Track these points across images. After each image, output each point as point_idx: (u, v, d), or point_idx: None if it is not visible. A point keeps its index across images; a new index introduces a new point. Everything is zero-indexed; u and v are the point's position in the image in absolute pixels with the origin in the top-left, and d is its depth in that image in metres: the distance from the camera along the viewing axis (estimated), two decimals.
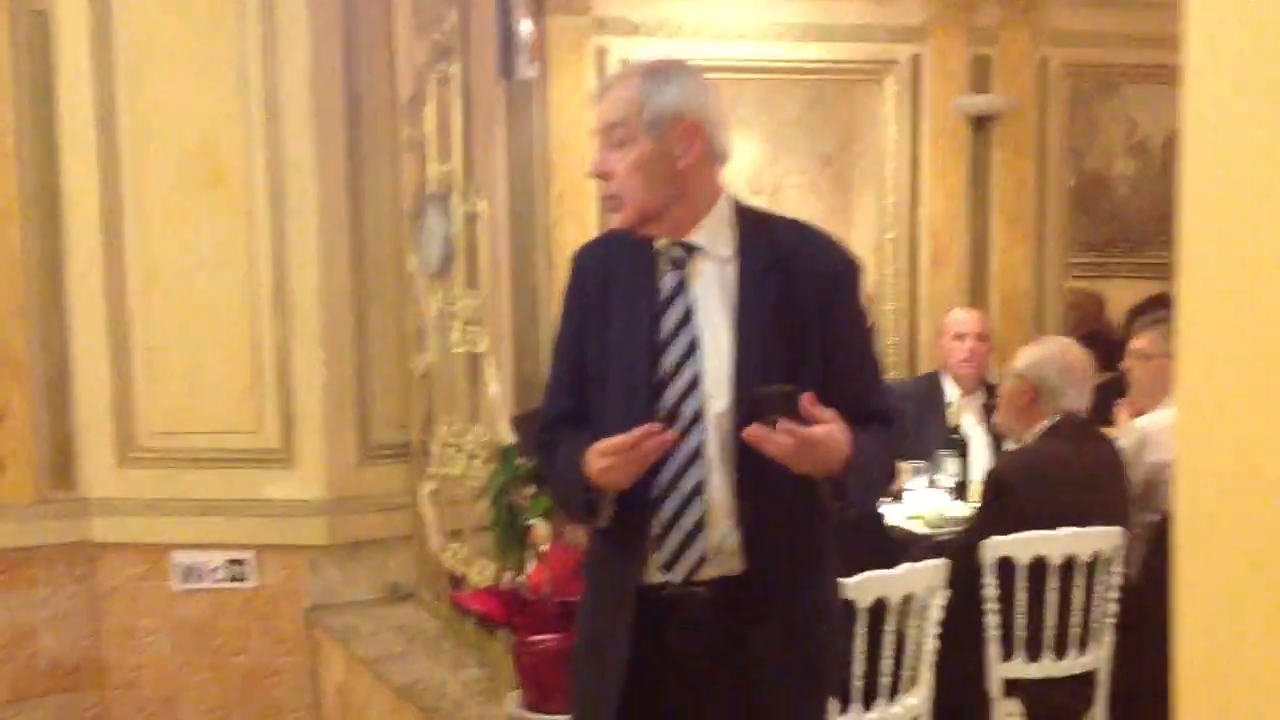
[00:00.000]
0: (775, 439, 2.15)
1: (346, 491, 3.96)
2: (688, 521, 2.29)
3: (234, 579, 4.02)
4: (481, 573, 3.50)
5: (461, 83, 3.67)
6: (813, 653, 2.41)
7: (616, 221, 2.32)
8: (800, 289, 2.31)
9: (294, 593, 4.00)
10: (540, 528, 3.29)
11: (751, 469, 2.25)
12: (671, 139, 2.26)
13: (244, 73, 3.89)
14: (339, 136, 3.92)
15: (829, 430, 2.17)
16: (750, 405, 2.22)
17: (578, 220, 5.20)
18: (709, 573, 2.30)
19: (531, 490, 3.31)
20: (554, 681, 2.96)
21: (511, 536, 3.32)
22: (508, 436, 3.46)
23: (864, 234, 6.32)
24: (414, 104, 3.88)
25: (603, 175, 2.30)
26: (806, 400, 2.16)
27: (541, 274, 5.04)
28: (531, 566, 3.28)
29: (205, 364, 3.98)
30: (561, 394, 2.47)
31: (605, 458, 2.22)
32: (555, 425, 2.47)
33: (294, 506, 3.96)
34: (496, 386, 3.60)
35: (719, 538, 2.29)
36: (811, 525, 2.33)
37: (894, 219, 5.85)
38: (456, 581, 3.68)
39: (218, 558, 4.02)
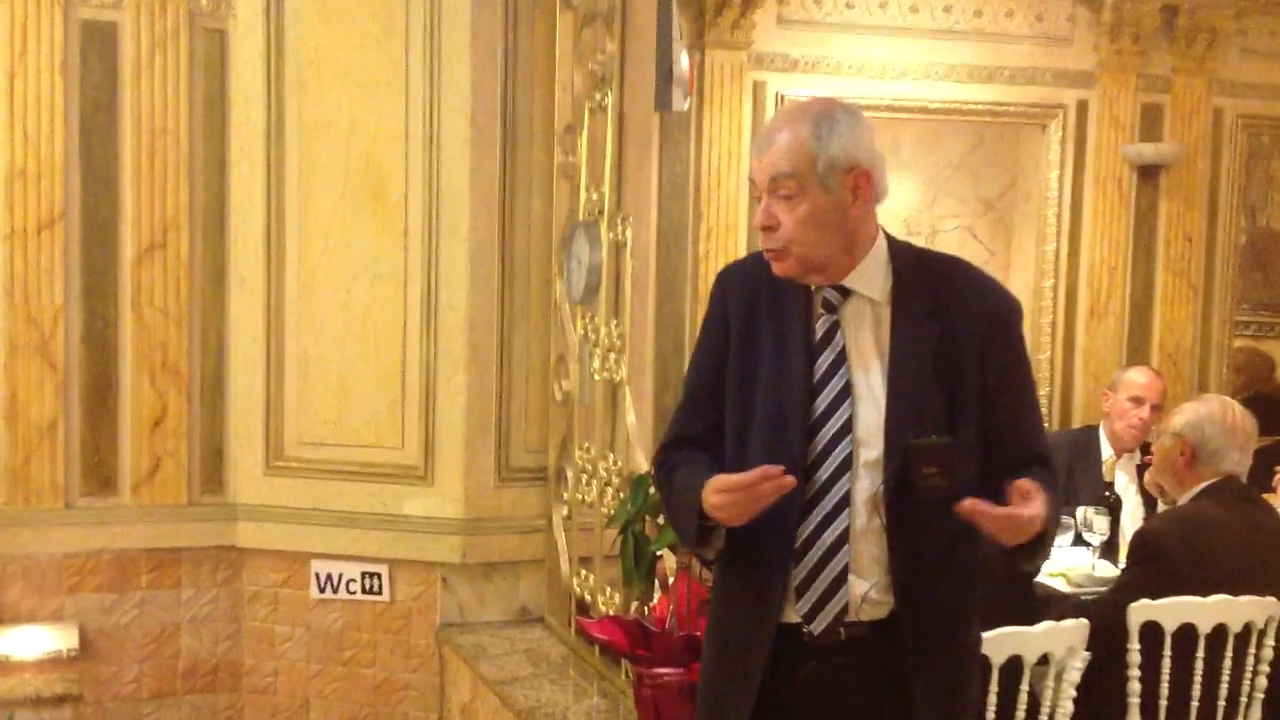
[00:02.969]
0: (993, 514, 2.10)
1: (483, 512, 3.99)
2: (831, 572, 2.23)
3: (369, 591, 4.08)
4: (608, 601, 3.49)
5: (616, 112, 3.69)
6: (959, 691, 2.35)
7: (778, 270, 2.25)
8: (958, 332, 2.24)
9: (426, 609, 4.05)
10: (668, 559, 3.27)
11: (902, 519, 2.20)
12: (843, 189, 2.20)
13: (407, 95, 3.97)
14: (495, 160, 3.97)
15: (1036, 509, 2.10)
16: (905, 456, 2.17)
17: (726, 254, 5.18)
18: (852, 620, 2.25)
19: (661, 521, 3.29)
20: (673, 713, 2.93)
21: (639, 566, 3.31)
22: (643, 466, 3.45)
23: (1022, 280, 6.17)
24: (569, 131, 3.92)
25: (770, 228, 2.23)
26: (1015, 493, 2.11)
27: (688, 306, 5.04)
28: (658, 598, 3.27)
29: (354, 378, 4.06)
30: (694, 416, 2.43)
31: (721, 494, 2.18)
32: (679, 445, 2.44)
33: (431, 524, 4.00)
34: (634, 415, 3.59)
35: (864, 590, 2.24)
36: (964, 576, 2.27)
37: (1054, 267, 5.70)
38: (584, 608, 3.68)
39: (354, 569, 4.09)
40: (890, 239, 2.30)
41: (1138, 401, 4.48)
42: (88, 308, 4.08)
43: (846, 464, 2.21)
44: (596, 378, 3.65)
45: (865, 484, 2.22)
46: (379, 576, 4.07)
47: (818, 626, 2.24)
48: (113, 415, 4.11)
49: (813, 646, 2.26)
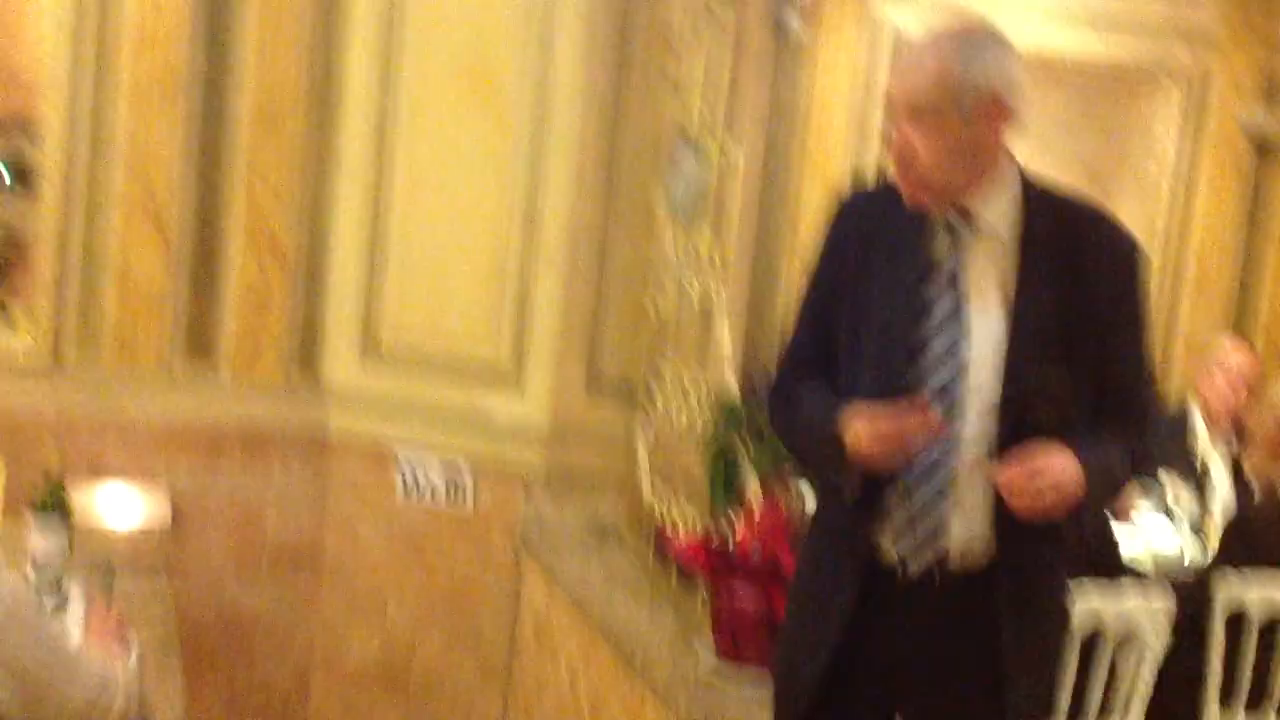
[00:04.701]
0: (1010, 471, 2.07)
1: (569, 420, 4.00)
2: (934, 517, 2.21)
3: (452, 492, 4.11)
4: (689, 522, 3.50)
5: (734, 30, 3.63)
6: (1053, 644, 2.34)
7: (910, 202, 2.18)
8: (1086, 276, 2.18)
9: (506, 516, 4.08)
10: (754, 485, 3.26)
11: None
12: (984, 121, 2.12)
13: None
14: (607, 66, 3.93)
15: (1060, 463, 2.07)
16: (1021, 397, 2.13)
17: (827, 184, 5.10)
18: (949, 567, 2.23)
19: (752, 445, 3.29)
20: (749, 638, 2.94)
21: (724, 490, 3.31)
22: (733, 388, 3.43)
23: None
24: (684, 45, 3.86)
25: (906, 159, 2.15)
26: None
27: (785, 235, 4.97)
28: (740, 523, 3.26)
29: (453, 274, 4.07)
30: (807, 342, 2.37)
31: (870, 434, 2.15)
32: (793, 376, 2.41)
33: (517, 428, 4.02)
34: (726, 335, 3.56)
35: (966, 536, 2.22)
36: (1066, 529, 2.21)
37: (1160, 238, 5.56)
38: (663, 528, 3.69)
39: (439, 469, 4.12)
40: (1024, 174, 2.23)
41: (1236, 382, 4.41)
42: (201, 178, 4.09)
43: (959, 403, 2.17)
44: (693, 297, 3.63)
45: (976, 424, 2.18)
46: (462, 479, 4.10)
47: (915, 566, 2.22)
48: (218, 289, 4.15)
49: (904, 591, 2.24)
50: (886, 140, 2.25)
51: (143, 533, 3.80)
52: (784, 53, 5.08)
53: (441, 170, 4.07)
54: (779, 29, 4.40)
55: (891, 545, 2.23)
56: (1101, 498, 2.18)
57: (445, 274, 4.08)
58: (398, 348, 4.14)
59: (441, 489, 4.12)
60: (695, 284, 3.61)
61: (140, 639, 2.58)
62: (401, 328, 4.14)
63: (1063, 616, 2.38)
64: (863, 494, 2.23)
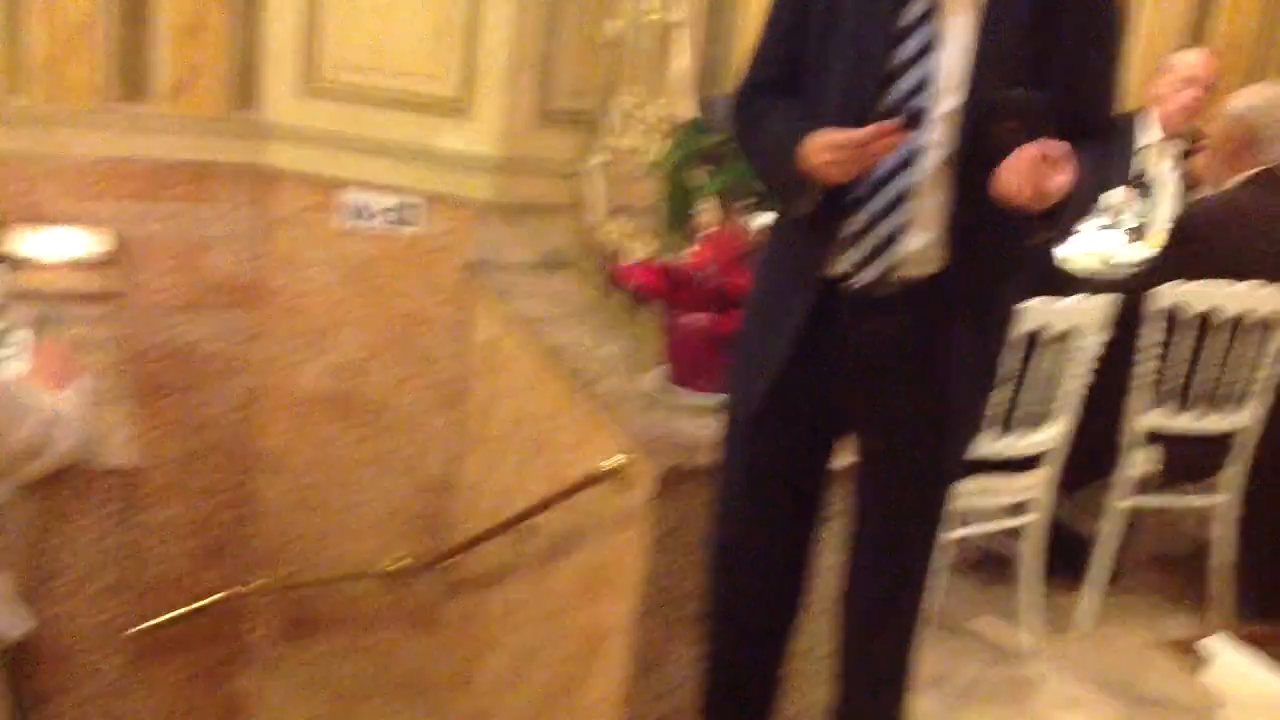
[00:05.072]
0: (1023, 154, 2.04)
1: (519, 150, 3.93)
2: (890, 225, 2.21)
3: (400, 223, 4.08)
4: (641, 249, 3.48)
5: None
6: (995, 354, 2.38)
7: None
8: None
9: (456, 245, 4.05)
10: (710, 209, 3.24)
11: (972, 172, 2.15)
12: None
13: None
14: None
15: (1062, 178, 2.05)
16: (989, 108, 2.11)
17: None
18: (900, 276, 2.24)
19: (707, 171, 3.24)
20: (703, 360, 2.97)
21: (680, 214, 3.29)
22: (690, 112, 3.36)
23: None
24: None
25: None
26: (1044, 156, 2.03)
27: None
28: (695, 248, 3.25)
29: (393, 6, 3.92)
30: (770, 62, 2.36)
31: (830, 151, 2.13)
32: (758, 92, 2.38)
33: (466, 159, 3.95)
34: (686, 59, 3.47)
35: (921, 244, 2.22)
36: (1016, 236, 2.22)
37: None
38: (614, 256, 3.67)
39: (386, 200, 4.06)
40: None
41: (1190, 81, 4.36)
42: None
43: (921, 116, 2.15)
44: (650, 17, 3.51)
45: (939, 134, 2.17)
46: (411, 209, 4.06)
47: (866, 277, 2.24)
48: (149, 19, 3.96)
49: (855, 301, 2.26)
50: None
51: (86, 267, 3.76)
52: None
53: None
54: None
55: (845, 257, 2.24)
56: (1081, 201, 2.18)
57: (391, 3, 3.93)
58: (340, 79, 4.01)
59: (390, 217, 4.08)
60: (651, 4, 3.49)
61: (87, 372, 2.58)
62: (344, 58, 4.00)
63: (1009, 321, 2.42)
64: (819, 208, 2.22)
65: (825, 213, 2.24)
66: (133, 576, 2.61)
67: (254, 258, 4.21)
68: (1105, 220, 3.93)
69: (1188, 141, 4.29)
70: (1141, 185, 3.98)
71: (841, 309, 2.28)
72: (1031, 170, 2.04)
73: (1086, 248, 3.81)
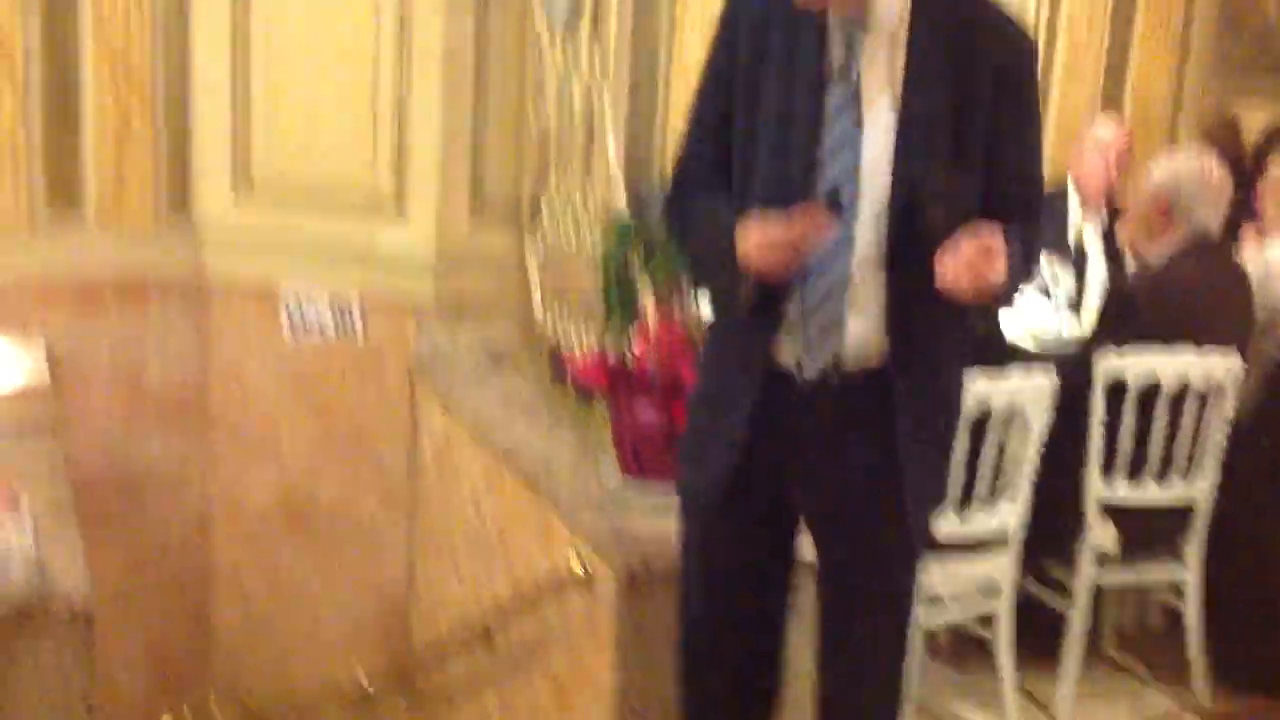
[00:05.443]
0: (960, 248, 2.06)
1: (456, 246, 3.93)
2: (827, 316, 2.22)
3: (341, 328, 4.05)
4: (585, 340, 3.48)
5: None
6: (948, 430, 2.40)
7: (800, 1, 2.18)
8: (976, 72, 2.17)
9: (398, 348, 4.02)
10: (650, 300, 3.25)
11: (903, 257, 2.17)
12: None
13: None
14: None
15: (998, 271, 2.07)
16: (911, 193, 2.13)
17: None
18: (846, 364, 2.25)
19: (644, 261, 3.26)
20: (652, 454, 2.96)
21: (621, 306, 3.30)
22: (622, 200, 3.38)
23: None
24: None
25: None
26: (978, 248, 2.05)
27: (665, 40, 4.84)
28: (638, 339, 3.26)
29: (323, 98, 3.94)
30: (702, 144, 2.36)
31: (761, 243, 2.14)
32: (687, 188, 2.39)
33: (403, 260, 3.95)
34: (613, 151, 3.50)
35: (861, 333, 2.24)
36: (956, 318, 2.25)
37: (1030, 16, 5.52)
38: (559, 349, 3.67)
39: (325, 306, 4.04)
40: None
41: (1104, 151, 4.47)
42: (48, 13, 3.84)
43: (853, 204, 2.17)
44: (576, 109, 3.55)
45: (869, 225, 2.19)
46: (351, 315, 4.03)
47: (810, 370, 2.25)
48: (76, 130, 3.93)
49: (802, 394, 2.27)
50: None
51: (22, 394, 3.67)
52: None
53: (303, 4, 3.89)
54: None
55: (788, 350, 2.25)
56: (1015, 282, 2.21)
57: (316, 99, 3.95)
58: (272, 180, 4.02)
59: (330, 325, 4.05)
60: (577, 94, 3.53)
61: (32, 504, 2.52)
62: (274, 159, 4.01)
63: (956, 407, 2.43)
64: (758, 302, 2.24)
65: (766, 303, 2.25)
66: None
67: (196, 371, 4.16)
68: (1035, 292, 3.99)
69: (1106, 213, 4.39)
70: (1073, 257, 4.05)
71: (789, 399, 2.29)
72: (970, 264, 2.07)
73: (1024, 325, 3.87)
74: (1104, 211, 4.42)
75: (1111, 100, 5.50)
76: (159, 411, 4.15)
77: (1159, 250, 3.54)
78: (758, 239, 2.13)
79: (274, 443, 4.17)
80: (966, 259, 2.06)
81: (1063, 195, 4.53)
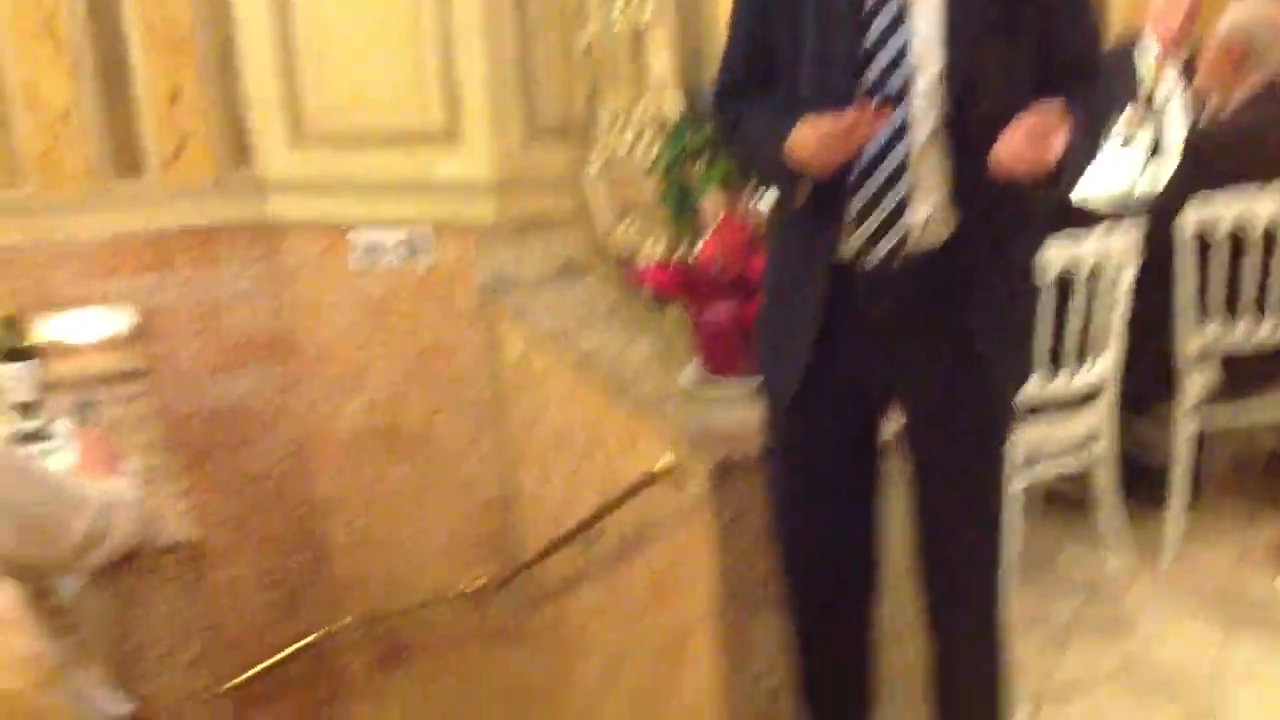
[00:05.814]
0: (1014, 132, 2.05)
1: (515, 169, 3.97)
2: (890, 202, 2.23)
3: (411, 256, 4.09)
4: (652, 248, 3.48)
5: None
6: (1025, 302, 2.38)
7: None
8: None
9: (468, 270, 4.08)
10: (712, 202, 3.24)
11: (963, 136, 2.17)
12: None
13: None
14: None
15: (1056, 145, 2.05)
16: (967, 73, 2.13)
17: None
18: (910, 249, 2.24)
19: (703, 164, 3.24)
20: (732, 349, 2.98)
21: (683, 211, 3.29)
22: (677, 108, 3.35)
23: None
24: None
25: None
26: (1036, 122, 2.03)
27: None
28: (703, 241, 3.25)
29: (369, 40, 3.96)
30: (740, 61, 2.38)
31: (813, 141, 2.13)
32: (733, 94, 2.38)
33: (465, 185, 3.99)
34: (662, 59, 3.46)
35: (925, 214, 2.23)
36: (1020, 194, 2.24)
37: None
38: (627, 259, 3.67)
39: (391, 237, 4.08)
40: None
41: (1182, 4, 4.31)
42: None
43: (903, 90, 2.16)
44: (618, 22, 3.51)
45: (923, 105, 2.17)
46: (416, 242, 4.07)
47: (878, 255, 2.24)
48: (130, 96, 4.01)
49: (871, 280, 2.26)
50: None
51: (112, 346, 3.78)
52: None
53: None
54: None
55: (852, 241, 2.24)
56: (1080, 157, 2.19)
57: (361, 40, 3.97)
58: (326, 127, 4.08)
59: (397, 254, 4.09)
60: (621, 7, 3.48)
61: (133, 453, 2.59)
62: (327, 104, 4.06)
63: (1031, 280, 2.41)
64: (817, 197, 2.22)
65: (826, 196, 2.24)
66: (215, 640, 2.63)
67: (274, 311, 4.25)
68: (1118, 144, 3.87)
69: (1186, 56, 4.26)
70: (1148, 106, 3.92)
71: (858, 290, 2.28)
72: (1026, 145, 2.06)
73: (1104, 177, 3.77)
74: (1183, 59, 4.28)
75: None
76: (244, 350, 4.29)
77: (1235, 97, 3.45)
78: (809, 135, 2.14)
79: (358, 370, 4.27)
80: (1022, 139, 2.05)
81: (1128, 52, 4.39)
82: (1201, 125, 3.73)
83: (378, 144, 4.02)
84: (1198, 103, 3.94)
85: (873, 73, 2.16)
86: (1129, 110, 3.93)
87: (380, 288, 4.16)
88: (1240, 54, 3.41)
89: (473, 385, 4.19)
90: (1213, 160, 3.37)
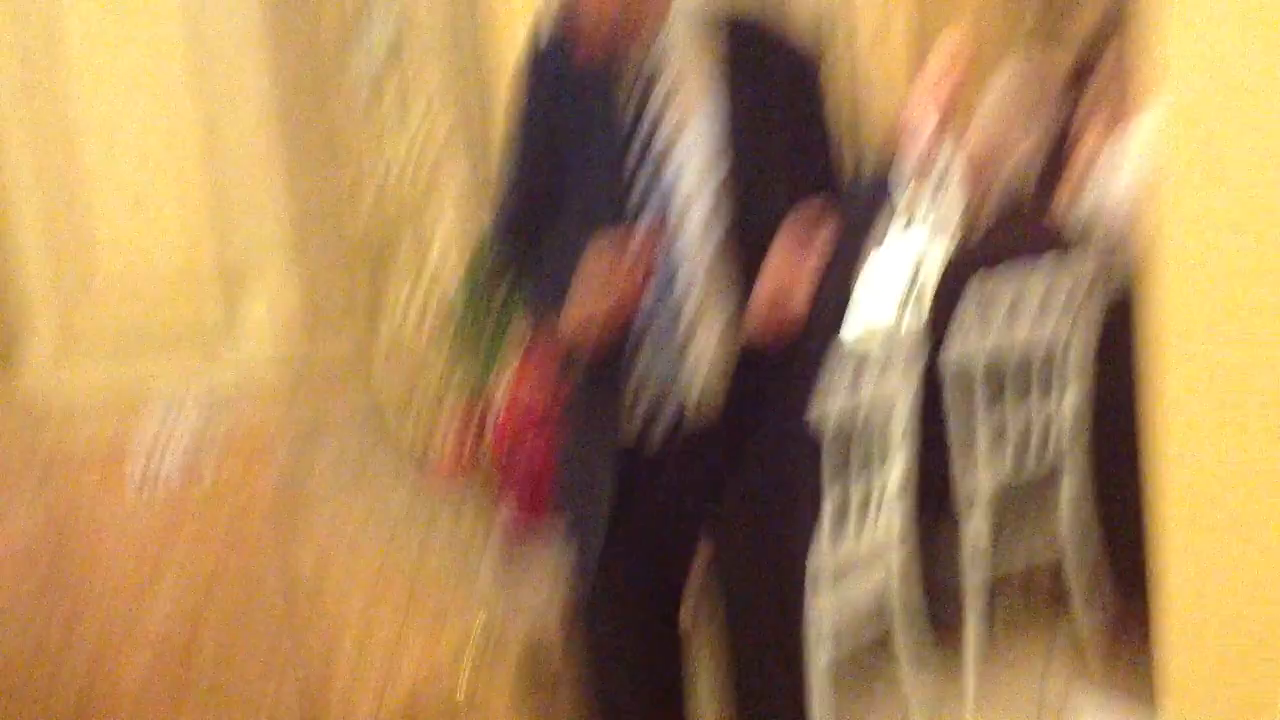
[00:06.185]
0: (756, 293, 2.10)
1: (301, 367, 3.87)
2: (669, 368, 2.23)
3: (193, 473, 3.92)
4: (449, 421, 3.41)
5: None
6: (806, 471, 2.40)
7: (584, 55, 2.21)
8: (771, 94, 2.24)
9: (256, 484, 3.91)
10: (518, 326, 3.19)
11: (744, 276, 2.20)
12: None
13: None
14: None
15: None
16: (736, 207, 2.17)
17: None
18: (687, 426, 2.23)
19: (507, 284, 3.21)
20: (545, 492, 2.89)
21: (492, 343, 3.21)
22: (456, 288, 3.35)
23: None
24: None
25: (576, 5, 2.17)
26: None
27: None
28: (511, 375, 3.17)
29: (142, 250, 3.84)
30: (516, 190, 2.40)
31: (583, 313, 2.15)
32: (511, 229, 2.40)
33: (247, 391, 3.86)
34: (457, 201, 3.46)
35: (702, 378, 2.23)
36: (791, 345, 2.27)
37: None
38: (420, 454, 3.61)
39: (175, 449, 3.92)
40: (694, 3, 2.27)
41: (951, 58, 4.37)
42: None
43: (672, 241, 2.21)
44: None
45: (693, 259, 2.22)
46: (200, 459, 3.91)
47: (656, 437, 2.23)
48: None
49: (654, 462, 2.26)
50: None
51: None
52: None
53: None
54: None
55: (637, 410, 2.23)
56: (848, 272, 2.24)
57: (136, 238, 3.85)
58: (102, 335, 3.90)
59: (180, 471, 3.93)
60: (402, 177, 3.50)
61: None
62: (101, 312, 3.90)
63: (808, 430, 2.44)
64: (597, 368, 2.22)
65: (609, 375, 2.23)
66: None
67: (46, 545, 3.97)
68: (899, 230, 3.92)
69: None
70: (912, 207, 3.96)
71: (645, 475, 2.26)
72: (767, 306, 2.08)
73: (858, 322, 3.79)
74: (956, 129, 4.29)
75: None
76: (15, 592, 3.97)
77: (1000, 185, 3.54)
78: (579, 309, 2.14)
79: (142, 605, 4.01)
80: (762, 302, 2.09)
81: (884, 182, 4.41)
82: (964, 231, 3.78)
83: (155, 347, 3.88)
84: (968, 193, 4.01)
85: (638, 231, 2.18)
86: (907, 191, 3.99)
87: (164, 509, 3.95)
88: (991, 159, 3.50)
89: (267, 609, 3.98)
90: (987, 236, 3.42)
